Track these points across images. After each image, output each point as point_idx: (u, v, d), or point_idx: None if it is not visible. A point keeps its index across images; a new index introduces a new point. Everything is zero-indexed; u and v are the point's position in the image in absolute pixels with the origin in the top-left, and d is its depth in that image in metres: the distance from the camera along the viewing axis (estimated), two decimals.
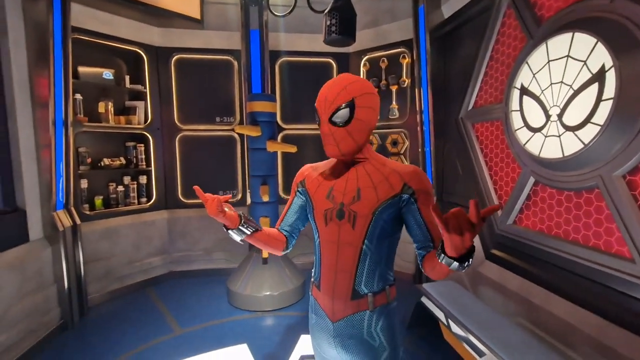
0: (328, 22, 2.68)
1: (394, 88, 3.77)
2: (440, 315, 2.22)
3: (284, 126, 4.00)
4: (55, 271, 2.69)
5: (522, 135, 2.08)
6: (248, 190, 3.76)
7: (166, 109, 3.72)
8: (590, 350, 1.61)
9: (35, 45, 2.59)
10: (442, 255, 0.78)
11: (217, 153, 3.89)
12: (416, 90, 3.42)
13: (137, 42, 3.48)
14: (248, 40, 3.57)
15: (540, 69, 1.93)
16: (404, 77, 3.71)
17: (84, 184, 3.22)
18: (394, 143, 3.82)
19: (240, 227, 1.04)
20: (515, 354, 1.64)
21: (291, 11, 2.89)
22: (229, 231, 1.06)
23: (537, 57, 1.95)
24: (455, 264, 0.75)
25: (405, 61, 3.67)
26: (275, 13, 3.05)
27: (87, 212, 3.18)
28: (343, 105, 0.97)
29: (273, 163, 3.28)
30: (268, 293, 3.04)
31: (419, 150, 3.57)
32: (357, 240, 1.00)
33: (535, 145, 1.97)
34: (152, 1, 3.21)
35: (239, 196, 3.97)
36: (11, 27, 2.45)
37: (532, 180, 2.05)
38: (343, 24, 2.66)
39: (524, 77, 2.06)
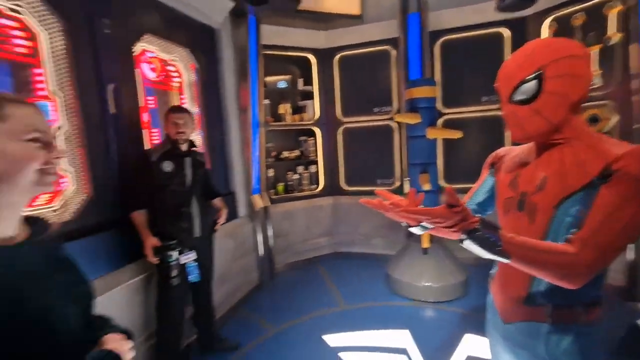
0: None
1: (594, 49, 2.95)
2: None
3: (445, 111, 3.75)
4: (254, 242, 3.43)
5: None
6: (406, 179, 3.74)
7: (330, 105, 4.10)
8: None
9: (238, 65, 3.31)
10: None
11: (375, 142, 4.02)
12: (630, 47, 2.58)
13: (307, 47, 3.95)
14: (406, 25, 3.48)
15: None
16: (610, 32, 2.84)
17: (270, 173, 3.95)
18: (593, 119, 3.01)
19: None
20: None
21: None
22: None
23: None
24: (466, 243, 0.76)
25: (614, 10, 2.80)
26: None
27: (273, 197, 3.89)
28: (527, 78, 0.81)
29: (433, 150, 3.14)
30: (428, 284, 2.97)
31: (633, 127, 2.70)
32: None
33: None
34: (319, 8, 3.57)
35: (396, 184, 4.00)
36: (225, 57, 3.20)
37: None
38: None
39: None
